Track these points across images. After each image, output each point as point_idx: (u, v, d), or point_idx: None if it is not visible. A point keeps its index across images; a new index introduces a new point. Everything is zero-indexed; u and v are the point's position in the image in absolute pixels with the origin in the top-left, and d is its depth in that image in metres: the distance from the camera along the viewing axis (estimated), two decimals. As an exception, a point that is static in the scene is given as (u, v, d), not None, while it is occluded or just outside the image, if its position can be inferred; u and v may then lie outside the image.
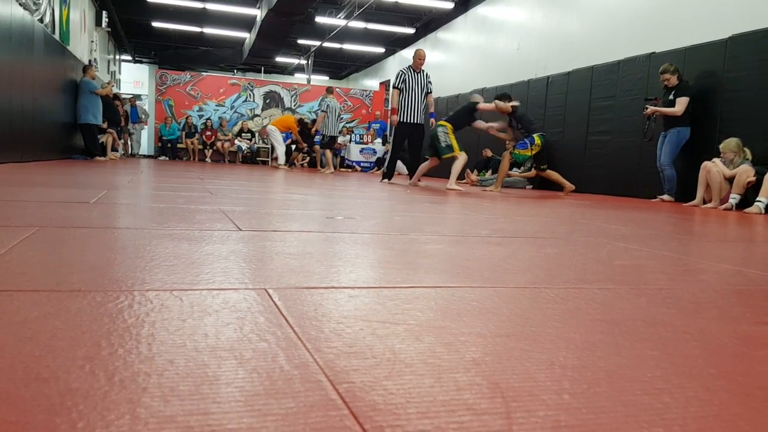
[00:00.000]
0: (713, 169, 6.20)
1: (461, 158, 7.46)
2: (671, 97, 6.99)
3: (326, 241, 2.02)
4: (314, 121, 13.50)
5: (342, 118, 12.31)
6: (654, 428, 0.64)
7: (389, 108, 18.11)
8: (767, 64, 6.31)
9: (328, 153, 12.29)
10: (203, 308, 1.02)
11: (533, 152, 7.41)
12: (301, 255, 1.66)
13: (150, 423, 0.57)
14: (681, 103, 6.84)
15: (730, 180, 6.05)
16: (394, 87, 8.36)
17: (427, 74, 8.39)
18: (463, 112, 7.67)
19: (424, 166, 7.86)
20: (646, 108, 7.29)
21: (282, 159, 13.57)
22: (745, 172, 5.84)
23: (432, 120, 8.45)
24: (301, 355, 0.81)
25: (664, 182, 7.18)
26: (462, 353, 0.86)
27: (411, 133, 8.35)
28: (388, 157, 9.08)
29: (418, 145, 8.46)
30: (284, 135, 13.51)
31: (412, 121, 8.26)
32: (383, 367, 0.78)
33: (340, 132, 13.55)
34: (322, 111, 11.94)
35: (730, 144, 6.16)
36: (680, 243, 2.63)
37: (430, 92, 8.40)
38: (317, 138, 13.61)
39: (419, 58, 8.35)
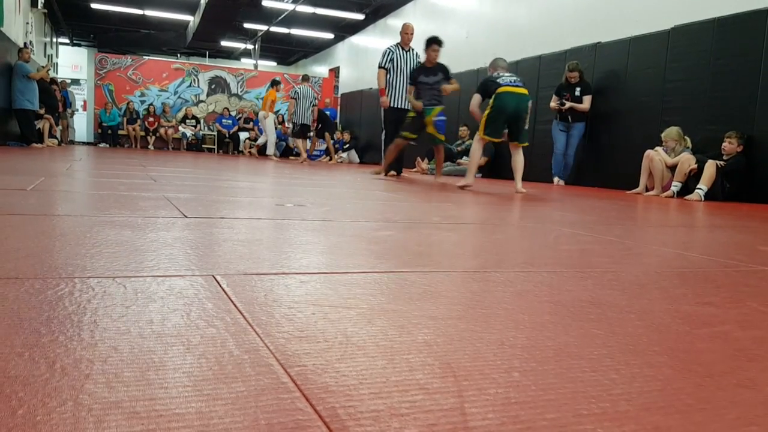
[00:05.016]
0: (656, 157, 6.39)
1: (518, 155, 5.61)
2: (578, 93, 7.72)
3: (276, 228, 1.99)
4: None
5: (314, 106, 11.74)
6: (601, 403, 0.65)
7: (338, 95, 17.99)
8: (707, 55, 6.53)
9: (299, 142, 11.82)
10: (148, 295, 1.00)
11: None
12: (250, 242, 1.64)
13: (94, 409, 0.55)
14: (589, 101, 7.67)
15: (672, 168, 6.25)
16: (380, 66, 7.18)
17: (417, 53, 7.23)
18: None
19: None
20: (564, 103, 7.84)
21: (271, 149, 12.77)
22: (687, 161, 6.04)
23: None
24: (251, 340, 0.79)
25: (566, 169, 8.07)
26: (414, 335, 0.86)
27: (398, 120, 7.07)
28: (383, 147, 7.55)
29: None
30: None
31: (399, 106, 7.13)
32: (335, 350, 0.77)
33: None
34: (291, 98, 11.49)
35: (671, 133, 6.36)
36: (624, 228, 2.71)
37: None
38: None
39: (407, 32, 7.11)
